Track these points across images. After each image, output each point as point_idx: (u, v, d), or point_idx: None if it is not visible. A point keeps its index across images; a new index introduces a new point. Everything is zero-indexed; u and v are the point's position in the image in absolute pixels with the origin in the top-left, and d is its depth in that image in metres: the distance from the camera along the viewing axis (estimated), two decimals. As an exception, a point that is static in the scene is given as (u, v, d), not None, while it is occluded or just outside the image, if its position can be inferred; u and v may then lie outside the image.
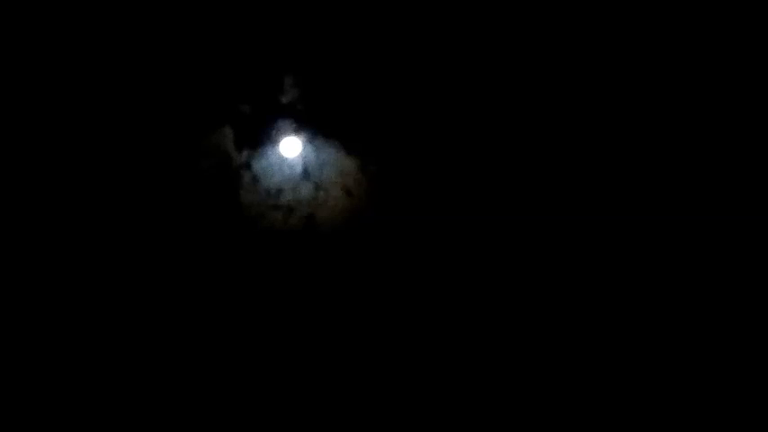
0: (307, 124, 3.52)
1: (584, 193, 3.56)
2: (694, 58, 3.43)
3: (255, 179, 3.52)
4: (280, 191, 3.54)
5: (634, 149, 3.54)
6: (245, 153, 3.49)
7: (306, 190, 3.56)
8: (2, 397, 3.30)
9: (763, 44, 3.34)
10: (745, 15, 3.34)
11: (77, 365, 3.41)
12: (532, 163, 3.58)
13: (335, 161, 3.55)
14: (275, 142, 3.51)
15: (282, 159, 3.53)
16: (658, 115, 3.51)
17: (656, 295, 3.54)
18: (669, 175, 3.52)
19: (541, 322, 3.58)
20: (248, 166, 3.50)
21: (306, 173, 3.54)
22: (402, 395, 3.55)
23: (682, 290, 3.51)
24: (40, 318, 3.39)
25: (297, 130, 3.52)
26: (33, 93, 3.29)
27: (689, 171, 3.50)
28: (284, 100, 3.48)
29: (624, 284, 3.56)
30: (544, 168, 3.57)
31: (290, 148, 3.53)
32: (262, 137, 3.50)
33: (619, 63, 3.49)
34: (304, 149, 3.53)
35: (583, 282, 3.58)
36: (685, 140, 3.49)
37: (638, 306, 3.54)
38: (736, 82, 3.42)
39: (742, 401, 3.36)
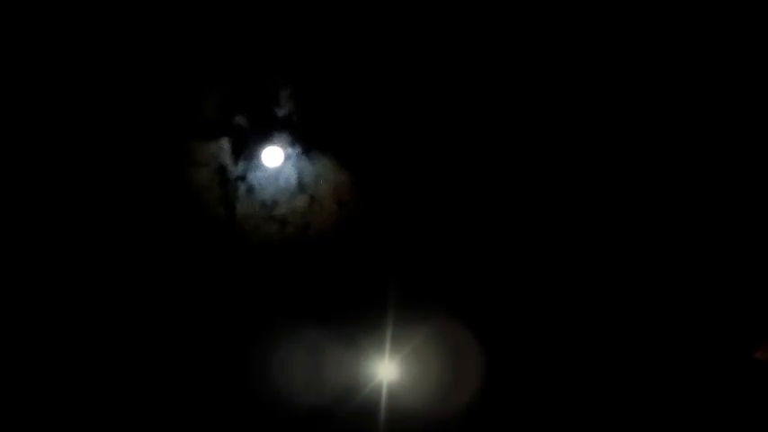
0: (302, 137, 3.56)
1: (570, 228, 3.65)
2: (694, 58, 3.43)
3: (251, 191, 3.57)
4: (275, 202, 3.60)
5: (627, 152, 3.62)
6: (241, 165, 3.54)
7: (300, 202, 3.62)
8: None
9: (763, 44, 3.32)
10: (745, 15, 3.31)
11: (68, 368, 3.48)
12: (524, 177, 3.66)
13: (330, 173, 3.61)
14: (271, 155, 3.55)
15: (278, 171, 3.58)
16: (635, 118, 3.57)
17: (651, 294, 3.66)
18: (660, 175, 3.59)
19: (530, 339, 3.73)
20: (244, 178, 3.55)
21: (301, 185, 3.60)
22: (398, 396, 3.69)
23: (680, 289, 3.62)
24: (32, 322, 3.45)
25: (292, 143, 3.56)
26: (34, 98, 3.28)
27: (688, 171, 3.55)
28: (280, 113, 3.52)
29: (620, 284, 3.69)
30: (538, 184, 3.65)
31: (286, 160, 3.57)
32: (258, 149, 3.54)
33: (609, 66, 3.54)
34: (299, 162, 3.58)
35: (573, 296, 3.72)
36: (685, 140, 3.53)
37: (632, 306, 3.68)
38: (735, 82, 3.40)
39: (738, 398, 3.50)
